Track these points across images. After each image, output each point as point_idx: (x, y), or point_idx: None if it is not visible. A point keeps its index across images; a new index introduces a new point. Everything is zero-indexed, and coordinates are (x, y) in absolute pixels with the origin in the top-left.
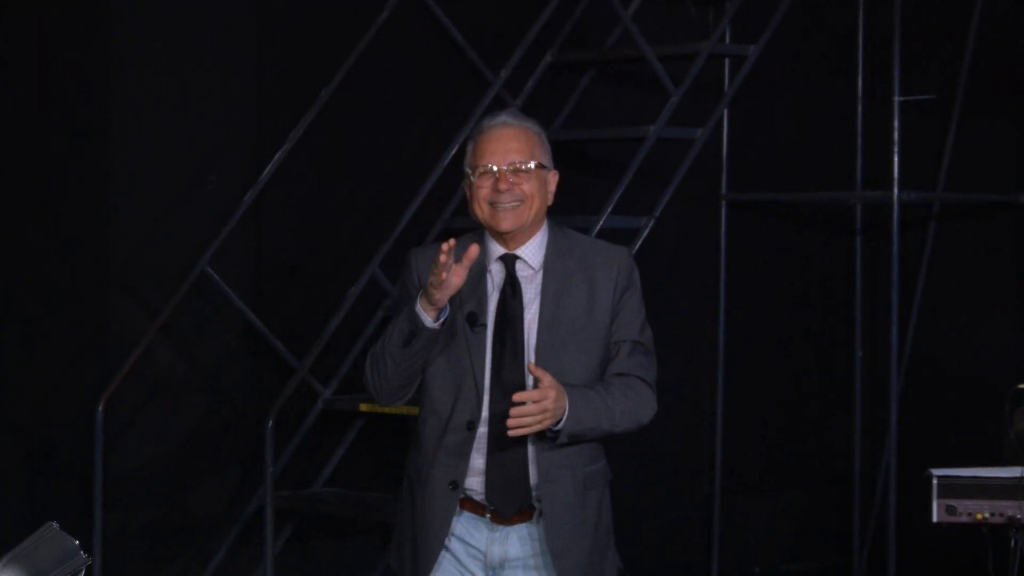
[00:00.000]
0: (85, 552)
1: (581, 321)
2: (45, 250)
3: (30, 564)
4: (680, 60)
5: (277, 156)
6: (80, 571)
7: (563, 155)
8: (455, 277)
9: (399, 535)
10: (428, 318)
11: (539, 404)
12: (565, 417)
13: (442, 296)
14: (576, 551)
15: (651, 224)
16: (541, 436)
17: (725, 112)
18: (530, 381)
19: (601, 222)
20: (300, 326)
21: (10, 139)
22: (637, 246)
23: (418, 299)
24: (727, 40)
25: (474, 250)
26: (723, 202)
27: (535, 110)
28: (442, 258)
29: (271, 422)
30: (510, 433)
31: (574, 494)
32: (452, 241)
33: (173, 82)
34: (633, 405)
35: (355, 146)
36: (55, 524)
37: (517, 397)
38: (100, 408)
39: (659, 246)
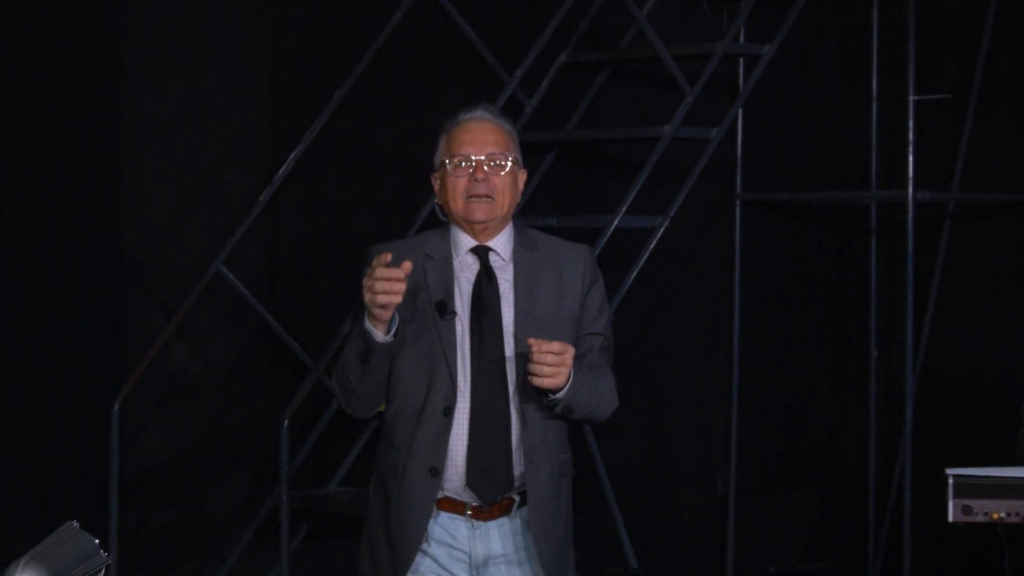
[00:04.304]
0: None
1: (554, 310)
2: (61, 250)
3: (51, 563)
4: (695, 59)
5: (292, 156)
6: (100, 570)
7: (578, 154)
8: (394, 293)
9: (370, 541)
10: (379, 334)
11: (561, 356)
12: (569, 384)
13: (384, 311)
14: (552, 536)
15: (666, 223)
16: (524, 419)
17: (740, 111)
18: (510, 366)
19: (616, 221)
20: (315, 325)
21: (26, 139)
22: (652, 245)
23: (365, 316)
24: (742, 39)
25: (407, 266)
26: (738, 201)
27: (550, 110)
28: (381, 272)
29: (286, 421)
30: (531, 378)
31: (551, 479)
32: (388, 256)
33: (187, 82)
34: (609, 396)
35: (369, 146)
36: (75, 523)
37: (543, 347)
38: (116, 408)
39: (674, 246)
